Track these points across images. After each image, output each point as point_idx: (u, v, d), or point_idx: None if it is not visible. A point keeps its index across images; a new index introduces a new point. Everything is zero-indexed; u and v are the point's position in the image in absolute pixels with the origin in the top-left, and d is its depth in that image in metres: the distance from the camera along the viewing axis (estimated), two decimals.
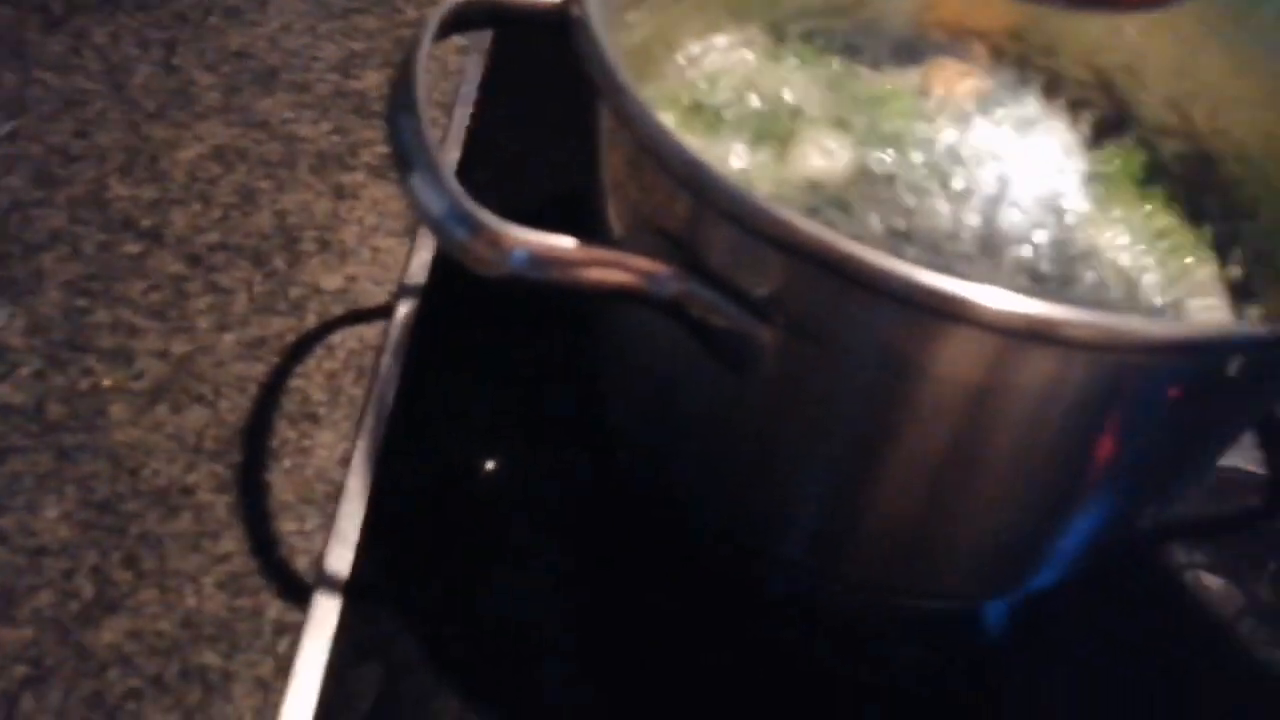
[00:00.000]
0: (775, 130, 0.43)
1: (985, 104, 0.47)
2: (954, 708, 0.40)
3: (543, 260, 0.31)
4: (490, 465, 0.46)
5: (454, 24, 0.39)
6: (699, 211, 0.31)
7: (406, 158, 0.33)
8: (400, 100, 0.35)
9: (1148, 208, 0.42)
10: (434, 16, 0.37)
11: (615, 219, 0.38)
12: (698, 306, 0.32)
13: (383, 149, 0.57)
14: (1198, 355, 0.30)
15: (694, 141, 0.41)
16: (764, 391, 0.33)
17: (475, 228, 0.31)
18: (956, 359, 0.29)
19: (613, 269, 0.32)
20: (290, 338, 0.48)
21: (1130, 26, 0.45)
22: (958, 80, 0.49)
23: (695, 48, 0.48)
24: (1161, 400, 0.33)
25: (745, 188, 0.28)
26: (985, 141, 0.44)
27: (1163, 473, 0.38)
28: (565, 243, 0.31)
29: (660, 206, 0.34)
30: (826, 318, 0.30)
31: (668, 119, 0.39)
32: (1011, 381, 0.30)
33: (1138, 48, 0.44)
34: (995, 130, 0.45)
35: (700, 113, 0.45)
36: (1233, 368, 0.33)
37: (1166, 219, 0.42)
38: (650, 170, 0.33)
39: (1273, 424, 0.49)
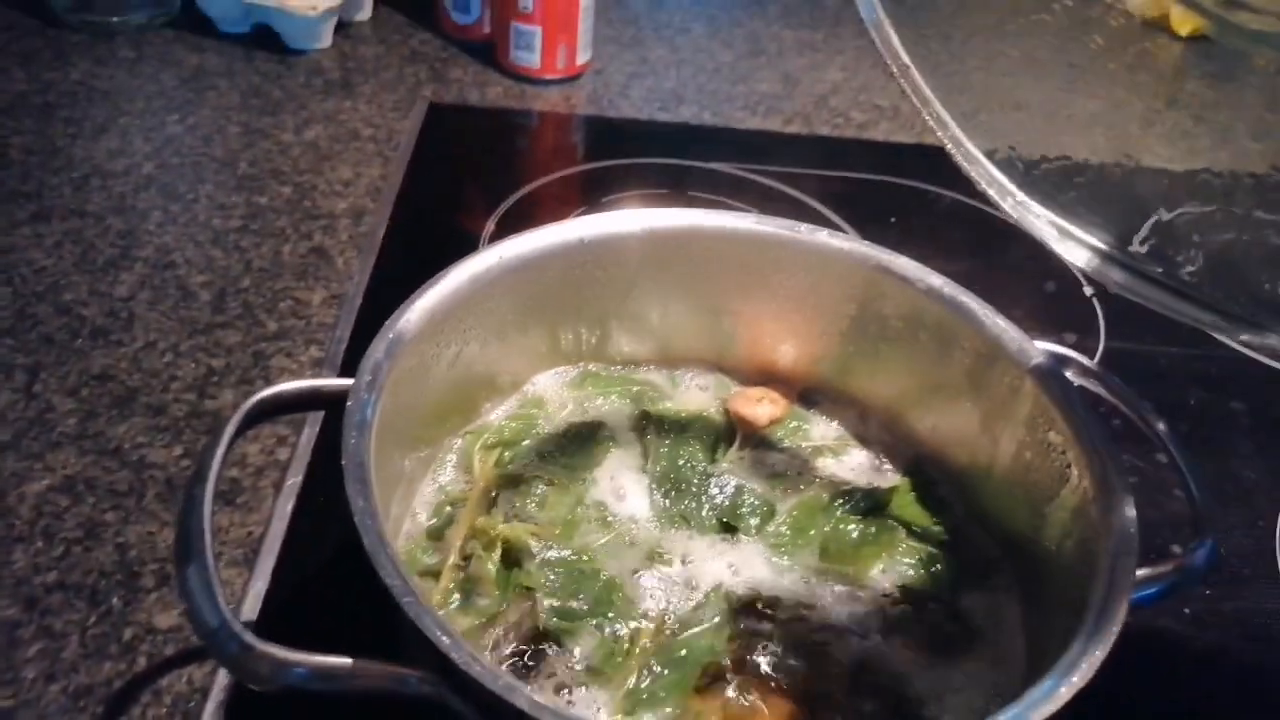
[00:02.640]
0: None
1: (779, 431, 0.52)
2: None
3: (313, 678, 0.34)
4: None
5: (254, 419, 0.43)
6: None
7: (185, 555, 0.37)
8: (191, 499, 0.38)
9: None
10: (232, 421, 0.41)
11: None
12: (454, 704, 0.35)
13: (230, 472, 0.60)
14: None
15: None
16: None
17: (244, 647, 0.34)
18: None
19: (372, 679, 0.35)
20: (118, 684, 0.50)
21: None
22: (754, 405, 0.54)
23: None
24: None
25: (469, 655, 0.32)
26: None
27: None
28: (311, 659, 0.34)
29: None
30: None
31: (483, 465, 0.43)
32: None
33: None
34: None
35: (512, 448, 0.49)
36: None
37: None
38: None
39: None
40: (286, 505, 0.58)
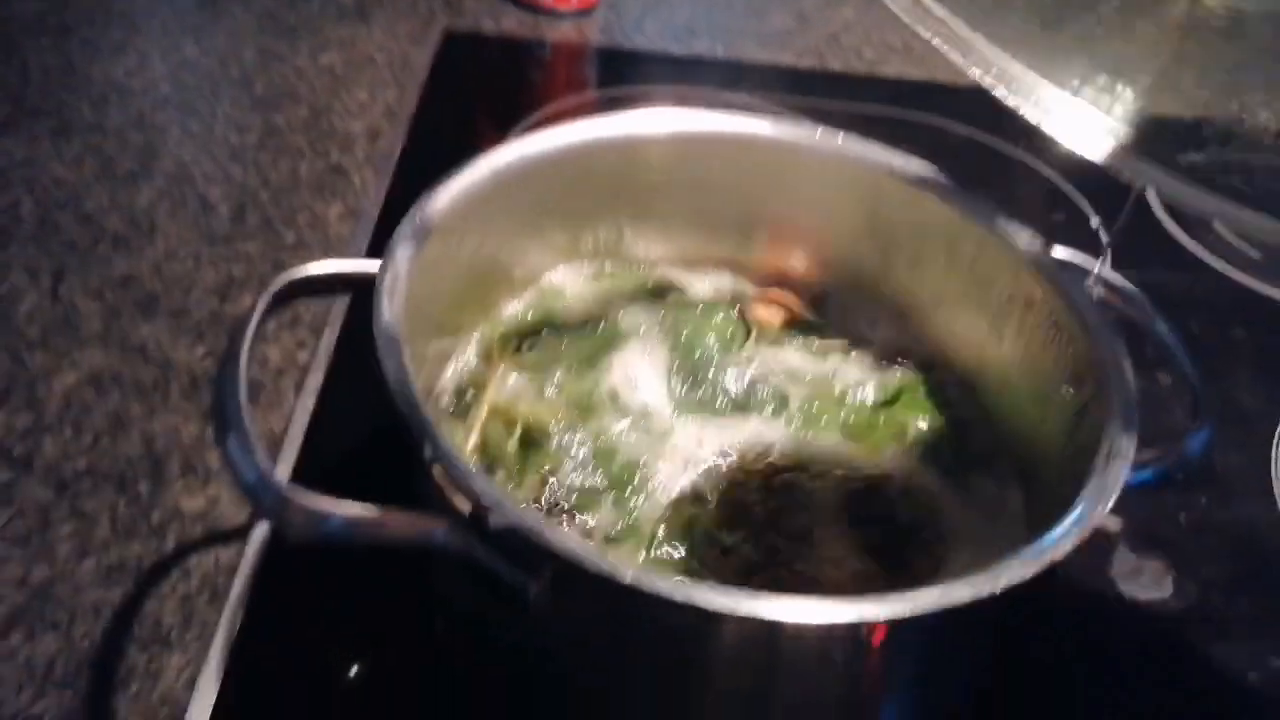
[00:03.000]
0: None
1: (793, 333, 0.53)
2: None
3: (346, 529, 0.36)
4: (339, 682, 0.49)
5: (284, 298, 0.44)
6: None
7: (224, 424, 0.38)
8: (225, 373, 0.40)
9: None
10: (262, 297, 0.43)
11: (425, 483, 0.42)
12: (482, 556, 0.37)
13: (252, 371, 0.61)
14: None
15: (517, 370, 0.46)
16: (537, 628, 0.38)
17: (281, 500, 0.36)
18: (663, 635, 0.35)
19: (403, 528, 0.36)
20: (148, 562, 0.51)
21: None
22: (769, 307, 0.55)
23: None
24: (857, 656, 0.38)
25: (501, 495, 0.34)
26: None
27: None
28: (359, 511, 0.36)
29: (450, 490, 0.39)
30: (574, 591, 0.35)
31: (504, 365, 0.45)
32: (709, 649, 0.35)
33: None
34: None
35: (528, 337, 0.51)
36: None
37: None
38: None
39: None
40: (309, 400, 0.59)
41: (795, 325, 0.56)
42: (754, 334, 0.53)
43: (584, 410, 0.48)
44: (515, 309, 0.53)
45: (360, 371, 0.61)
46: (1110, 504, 0.38)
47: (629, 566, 0.32)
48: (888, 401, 0.52)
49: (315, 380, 0.61)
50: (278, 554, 0.52)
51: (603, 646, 0.38)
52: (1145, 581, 0.57)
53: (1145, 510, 0.60)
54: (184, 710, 0.46)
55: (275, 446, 0.57)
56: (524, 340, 0.51)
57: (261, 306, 0.41)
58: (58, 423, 0.57)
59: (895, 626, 0.34)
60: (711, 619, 0.33)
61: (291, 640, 0.48)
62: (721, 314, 0.53)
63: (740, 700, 0.38)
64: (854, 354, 0.54)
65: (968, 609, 0.34)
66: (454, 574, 0.41)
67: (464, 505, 0.36)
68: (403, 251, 0.43)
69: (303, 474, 0.55)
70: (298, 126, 0.82)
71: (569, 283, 0.54)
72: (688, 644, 0.36)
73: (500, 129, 0.83)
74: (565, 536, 0.33)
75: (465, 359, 0.51)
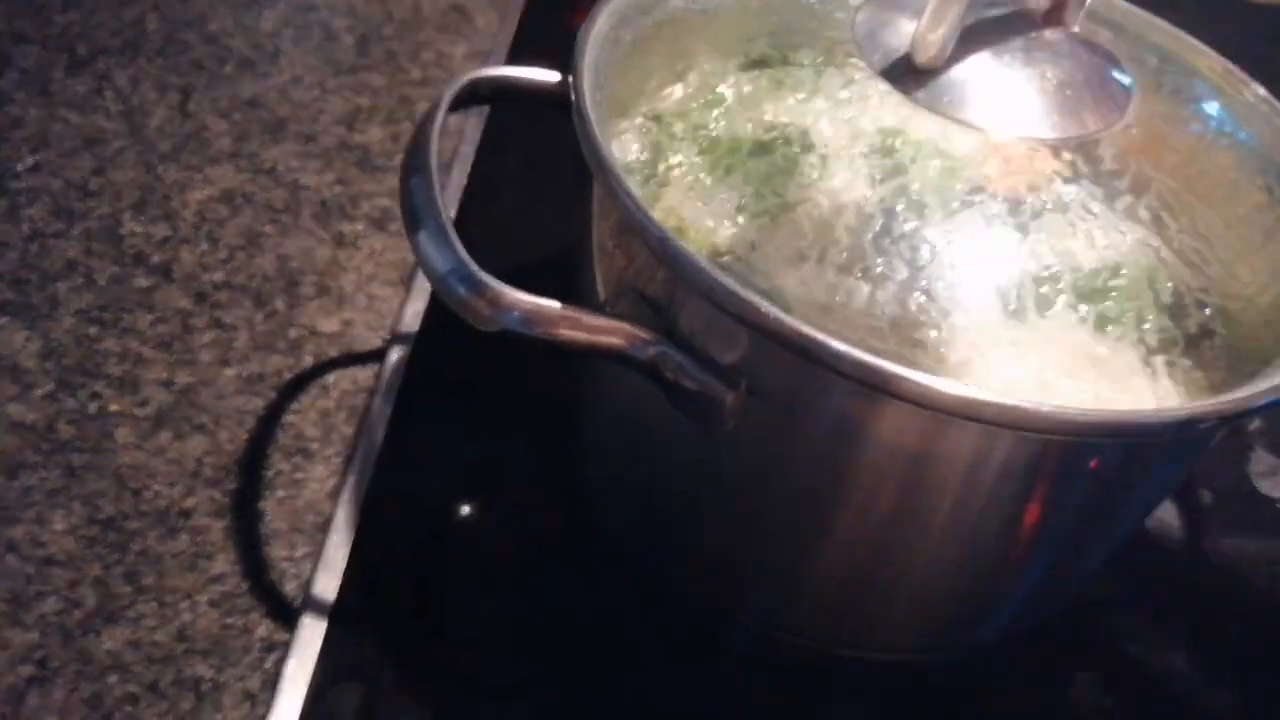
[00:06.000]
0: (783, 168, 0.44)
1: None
2: None
3: (534, 320, 0.35)
4: (471, 506, 0.49)
5: (466, 99, 0.43)
6: (674, 286, 0.35)
7: (416, 217, 0.37)
8: (414, 164, 0.39)
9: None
10: (449, 90, 0.41)
11: (602, 282, 0.41)
12: (670, 369, 0.36)
13: (382, 201, 0.61)
14: (1114, 437, 0.34)
15: (697, 184, 0.41)
16: (727, 450, 0.37)
17: (475, 287, 0.35)
18: (895, 431, 0.33)
19: (595, 333, 0.36)
20: (287, 375, 0.51)
21: None
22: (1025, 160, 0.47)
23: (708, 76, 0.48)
24: (1081, 472, 0.37)
25: (714, 270, 0.32)
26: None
27: (1087, 537, 0.41)
28: (553, 306, 0.35)
29: (642, 276, 0.38)
30: (784, 387, 0.34)
31: (678, 151, 0.40)
32: (943, 452, 0.34)
33: None
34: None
35: (711, 144, 0.46)
36: (1152, 449, 0.36)
37: None
38: (633, 245, 0.37)
39: (1194, 509, 0.53)
40: None
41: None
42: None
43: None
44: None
45: (494, 208, 0.61)
46: None
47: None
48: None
49: (448, 215, 0.60)
50: (413, 378, 0.52)
51: (831, 449, 0.37)
52: None
53: None
54: (329, 520, 0.46)
55: (409, 279, 0.56)
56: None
57: (448, 97, 0.40)
58: (194, 235, 0.57)
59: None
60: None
61: (427, 466, 0.48)
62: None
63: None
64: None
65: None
66: (627, 394, 0.40)
67: (661, 297, 0.35)
68: (593, 42, 0.41)
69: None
70: None
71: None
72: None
73: None
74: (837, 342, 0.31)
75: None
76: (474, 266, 0.35)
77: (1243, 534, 0.53)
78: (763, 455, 0.37)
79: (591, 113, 0.38)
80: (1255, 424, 0.57)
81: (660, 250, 0.33)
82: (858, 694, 0.45)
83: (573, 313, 0.35)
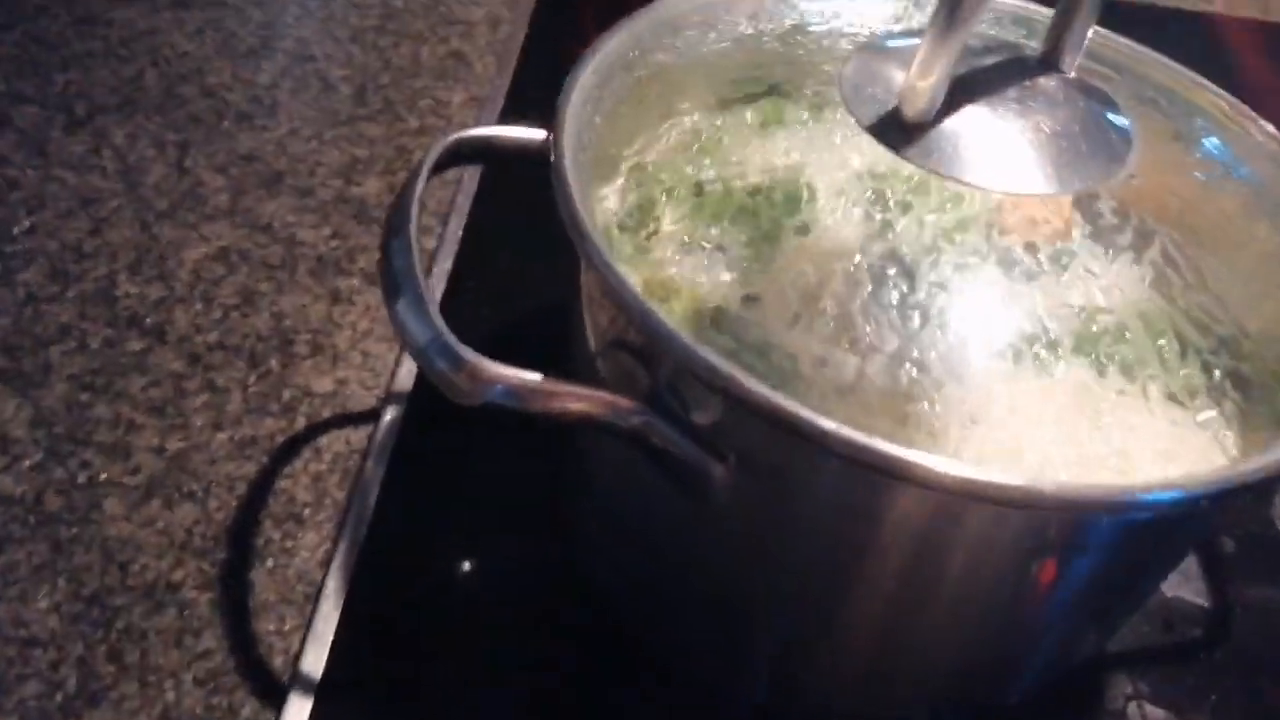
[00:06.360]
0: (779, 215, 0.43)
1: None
2: None
3: (515, 394, 0.34)
4: (466, 568, 0.48)
5: (449, 160, 0.42)
6: (660, 361, 0.34)
7: (395, 285, 0.36)
8: (394, 228, 0.38)
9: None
10: (431, 152, 0.41)
11: (591, 340, 0.40)
12: (657, 438, 0.35)
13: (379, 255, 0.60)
14: (1121, 512, 0.33)
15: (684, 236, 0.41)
16: (718, 524, 0.36)
17: (454, 361, 0.34)
18: (892, 508, 0.32)
19: (579, 402, 0.34)
20: (280, 439, 0.50)
21: None
22: (1038, 221, 0.46)
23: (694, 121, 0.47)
24: (1091, 545, 0.35)
25: (694, 344, 0.31)
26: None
27: (1096, 607, 0.40)
28: (534, 378, 0.34)
29: (626, 340, 0.37)
30: (774, 463, 0.33)
31: (668, 206, 0.40)
32: (947, 531, 0.32)
33: None
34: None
35: (701, 196, 0.45)
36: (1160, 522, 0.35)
37: None
38: (615, 311, 0.36)
39: (1215, 558, 0.51)
40: (438, 286, 0.58)
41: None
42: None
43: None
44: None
45: (489, 260, 0.60)
46: None
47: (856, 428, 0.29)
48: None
49: (443, 267, 0.60)
50: (407, 439, 0.51)
51: (823, 525, 0.35)
52: None
53: None
54: (320, 587, 0.45)
55: None
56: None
57: (430, 161, 0.39)
58: (189, 294, 0.56)
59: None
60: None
61: (419, 530, 0.47)
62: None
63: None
64: None
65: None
66: (618, 465, 0.39)
67: (647, 369, 0.34)
68: (575, 101, 0.40)
69: None
70: (418, 10, 0.80)
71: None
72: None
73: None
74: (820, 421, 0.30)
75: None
76: (452, 339, 0.34)
77: (1270, 582, 0.51)
78: (754, 532, 0.35)
79: (571, 175, 0.37)
80: None
81: (641, 323, 0.32)
82: None
83: (553, 385, 0.34)
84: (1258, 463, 0.31)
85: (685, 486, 0.35)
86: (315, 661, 0.42)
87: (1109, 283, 0.36)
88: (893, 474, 0.29)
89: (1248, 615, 0.49)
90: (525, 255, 0.60)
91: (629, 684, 0.43)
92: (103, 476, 0.47)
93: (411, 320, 0.35)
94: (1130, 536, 0.35)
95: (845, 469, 0.30)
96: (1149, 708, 0.45)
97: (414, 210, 0.38)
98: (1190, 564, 0.50)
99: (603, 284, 0.33)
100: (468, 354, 0.34)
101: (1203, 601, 0.50)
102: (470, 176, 0.65)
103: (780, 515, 0.34)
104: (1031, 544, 0.33)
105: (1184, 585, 0.50)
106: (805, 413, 0.29)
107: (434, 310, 0.35)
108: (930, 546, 0.33)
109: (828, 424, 0.29)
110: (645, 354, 0.35)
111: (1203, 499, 0.31)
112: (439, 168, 0.41)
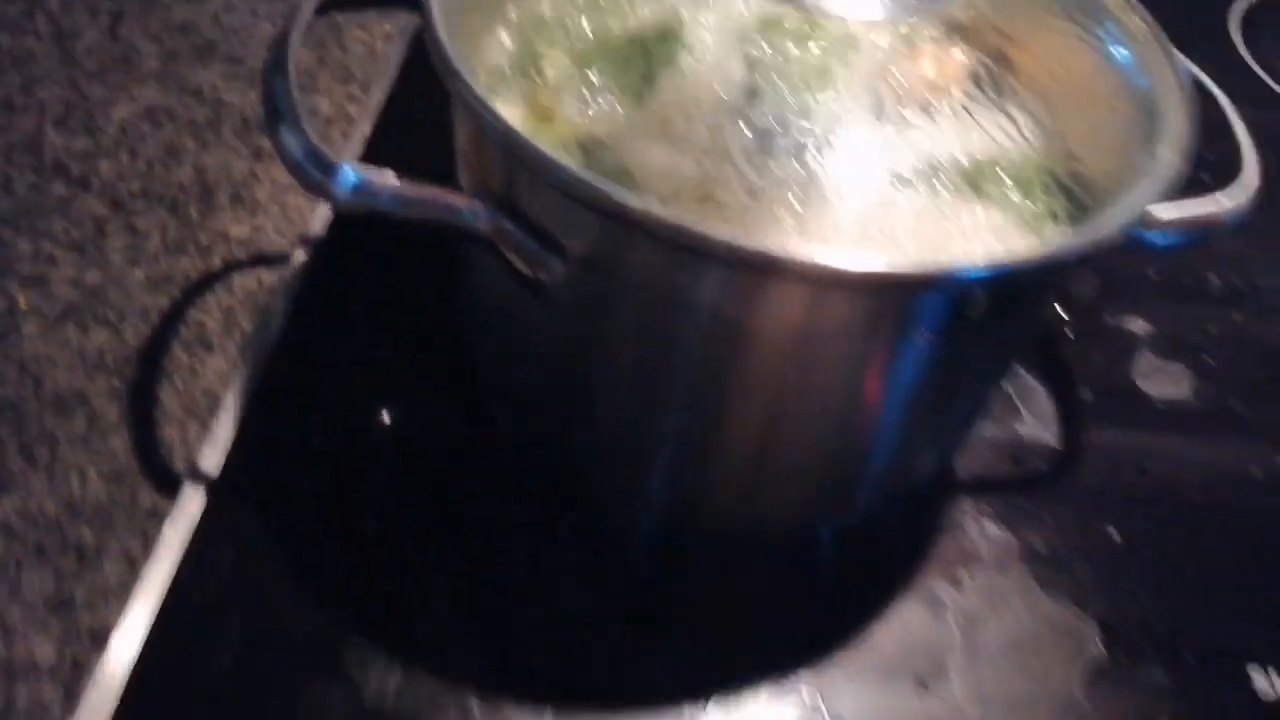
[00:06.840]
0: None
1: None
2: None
3: (377, 192, 0.37)
4: (363, 394, 0.51)
5: (332, 3, 0.44)
6: (505, 162, 0.37)
7: (277, 113, 0.39)
8: (275, 64, 0.41)
9: None
10: None
11: (462, 173, 0.43)
12: (507, 243, 0.38)
13: None
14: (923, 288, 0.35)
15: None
16: (564, 323, 0.39)
17: (324, 166, 0.37)
18: (712, 293, 0.35)
19: (436, 204, 0.37)
20: (195, 276, 0.53)
21: None
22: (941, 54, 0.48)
23: None
24: (910, 332, 0.38)
25: (530, 141, 0.34)
26: None
27: (925, 405, 0.43)
28: (395, 180, 0.37)
29: (483, 160, 0.39)
30: (603, 253, 0.36)
31: (551, 54, 0.43)
32: (762, 316, 0.35)
33: None
34: None
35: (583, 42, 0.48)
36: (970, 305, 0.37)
37: None
38: (466, 120, 0.39)
39: (1071, 405, 0.54)
40: (356, 148, 0.60)
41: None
42: None
43: None
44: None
45: (410, 128, 0.63)
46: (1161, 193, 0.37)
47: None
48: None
49: (363, 130, 0.62)
50: (320, 279, 0.54)
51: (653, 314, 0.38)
52: (1164, 382, 0.57)
53: (1173, 319, 0.60)
54: (219, 401, 0.48)
55: None
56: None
57: (311, 4, 0.42)
58: (114, 148, 0.59)
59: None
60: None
61: (322, 359, 0.50)
62: None
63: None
64: None
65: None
66: (491, 283, 0.42)
67: (496, 172, 0.37)
68: None
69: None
70: None
71: None
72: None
73: None
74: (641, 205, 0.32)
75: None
76: (323, 149, 0.37)
77: (1119, 430, 0.55)
78: (595, 326, 0.38)
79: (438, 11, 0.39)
80: (1141, 326, 0.59)
81: (481, 121, 0.35)
82: (756, 572, 0.46)
83: (414, 188, 0.37)
84: (1034, 249, 0.35)
85: (532, 287, 0.38)
86: (210, 461, 0.45)
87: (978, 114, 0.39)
88: (697, 249, 0.32)
89: (1095, 457, 0.53)
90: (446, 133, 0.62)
91: (529, 516, 0.46)
92: (21, 303, 0.50)
93: (290, 140, 0.38)
94: (933, 320, 0.37)
95: (661, 252, 0.33)
96: (988, 524, 0.49)
97: (293, 48, 0.41)
98: (1047, 408, 0.54)
99: (455, 89, 0.36)
100: (335, 161, 0.37)
101: (1054, 443, 0.53)
102: (396, 49, 0.67)
103: (610, 306, 0.38)
104: (846, 328, 0.36)
105: (1038, 427, 0.53)
106: (619, 193, 0.32)
107: (309, 131, 0.37)
108: (748, 334, 0.36)
109: (635, 202, 0.32)
110: (494, 160, 0.38)
111: (979, 279, 0.34)
112: (323, 10, 0.43)
